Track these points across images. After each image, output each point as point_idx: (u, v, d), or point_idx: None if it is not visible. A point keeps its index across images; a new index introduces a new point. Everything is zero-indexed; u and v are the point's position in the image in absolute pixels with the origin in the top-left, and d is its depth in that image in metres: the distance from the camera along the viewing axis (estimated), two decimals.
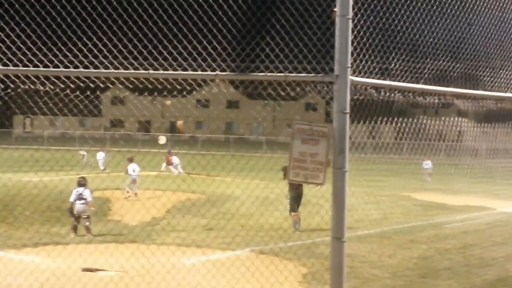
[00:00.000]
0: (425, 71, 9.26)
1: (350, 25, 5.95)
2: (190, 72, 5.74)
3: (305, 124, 5.95)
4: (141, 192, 25.52)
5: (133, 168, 26.02)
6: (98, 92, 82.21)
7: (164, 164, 39.50)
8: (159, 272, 11.80)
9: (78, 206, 16.26)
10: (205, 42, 6.19)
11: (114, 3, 6.15)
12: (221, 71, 5.81)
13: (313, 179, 5.88)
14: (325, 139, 5.92)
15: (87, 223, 16.30)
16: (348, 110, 5.92)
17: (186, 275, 11.65)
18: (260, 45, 6.95)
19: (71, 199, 16.39)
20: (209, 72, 5.70)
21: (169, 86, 7.90)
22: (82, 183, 16.62)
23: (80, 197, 16.33)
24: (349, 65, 5.95)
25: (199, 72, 5.75)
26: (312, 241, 15.91)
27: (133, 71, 5.84)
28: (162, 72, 5.73)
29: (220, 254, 14.27)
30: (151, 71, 5.62)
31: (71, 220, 16.44)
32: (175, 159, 38.69)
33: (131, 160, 26.88)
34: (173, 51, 6.24)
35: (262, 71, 6.17)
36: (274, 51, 6.79)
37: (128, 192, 25.52)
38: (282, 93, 7.88)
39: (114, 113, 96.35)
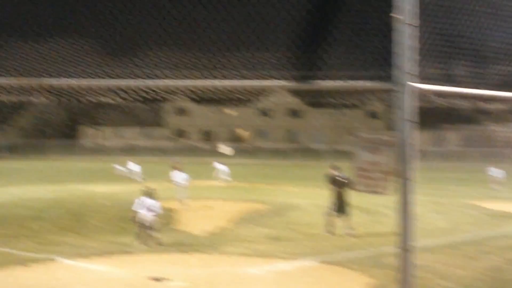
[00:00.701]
0: (491, 76, 9.00)
1: (411, 31, 5.85)
2: (255, 82, 5.75)
3: (368, 134, 5.88)
4: (204, 202, 25.68)
5: (182, 177, 25.71)
6: (162, 103, 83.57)
7: (174, 173, 39.09)
8: (224, 281, 11.84)
9: (146, 217, 16.26)
10: (269, 51, 6.17)
11: (181, 17, 6.22)
12: (283, 80, 5.79)
13: (379, 188, 5.80)
14: (390, 148, 5.82)
15: (154, 233, 16.34)
16: (411, 118, 5.80)
17: (250, 285, 11.64)
18: (321, 53, 6.90)
19: (135, 207, 16.48)
20: (272, 82, 5.69)
21: (231, 97, 7.94)
22: (149, 193, 16.68)
23: (149, 208, 16.34)
24: (411, 72, 5.84)
25: (263, 82, 5.74)
26: (377, 250, 15.66)
27: (199, 81, 5.89)
28: (227, 81, 5.75)
29: (284, 263, 14.20)
30: (217, 81, 5.65)
31: (137, 230, 16.57)
32: (221, 167, 38.08)
33: (177, 168, 26.56)
34: (237, 61, 6.25)
35: (323, 79, 6.12)
36: (335, 59, 6.73)
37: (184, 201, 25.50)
38: (344, 101, 7.81)
39: (178, 123, 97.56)
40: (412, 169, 5.72)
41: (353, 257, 14.87)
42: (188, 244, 16.57)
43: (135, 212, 16.46)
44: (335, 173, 18.92)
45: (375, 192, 5.87)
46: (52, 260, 14.53)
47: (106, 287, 11.45)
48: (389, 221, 18.64)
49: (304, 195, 23.67)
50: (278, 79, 6.05)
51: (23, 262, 14.18)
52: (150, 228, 16.32)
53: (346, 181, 18.25)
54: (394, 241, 6.11)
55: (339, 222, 18.15)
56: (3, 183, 34.96)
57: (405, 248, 5.73)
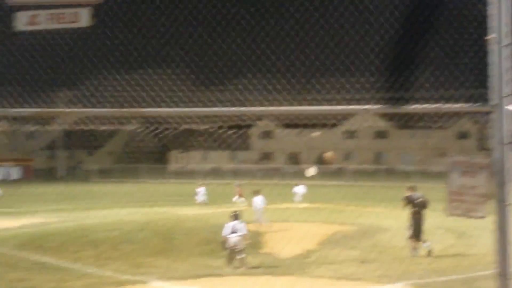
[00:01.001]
0: None
1: (506, 52, 5.71)
2: (342, 107, 5.75)
3: (462, 157, 5.75)
4: (289, 224, 25.64)
5: (260, 200, 26.16)
6: (247, 128, 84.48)
7: (236, 197, 38.11)
8: None
9: (233, 239, 16.23)
10: (356, 75, 6.18)
11: (266, 43, 6.32)
12: (372, 103, 5.77)
13: (473, 212, 5.65)
14: (484, 171, 5.67)
15: (242, 255, 16.30)
16: (507, 141, 5.65)
17: None
18: (411, 75, 6.83)
19: (224, 233, 16.43)
20: (360, 106, 5.68)
21: (316, 121, 7.96)
22: (236, 217, 16.75)
23: (234, 230, 16.37)
24: (506, 95, 5.70)
25: (352, 106, 5.74)
26: (469, 274, 15.18)
27: (284, 107, 5.95)
28: (314, 108, 5.78)
29: (374, 287, 13.98)
30: (301, 107, 5.70)
31: (226, 252, 16.69)
32: (299, 190, 38.37)
33: (257, 193, 26.98)
34: (324, 84, 6.28)
35: (412, 100, 6.05)
36: (424, 79, 6.64)
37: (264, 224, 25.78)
38: (435, 123, 7.66)
39: (263, 147, 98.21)
40: (508, 193, 5.55)
41: (445, 280, 14.47)
42: (275, 267, 16.57)
43: (225, 237, 16.41)
44: (413, 194, 18.91)
45: (470, 216, 5.72)
46: (144, 282, 14.88)
47: None
48: (479, 243, 18.10)
49: (392, 216, 23.22)
50: (367, 101, 6.03)
51: (116, 284, 14.59)
52: (239, 251, 16.28)
53: (424, 202, 18.47)
54: (486, 264, 5.93)
55: (419, 244, 17.97)
56: (96, 206, 36.14)
57: (503, 274, 5.55)
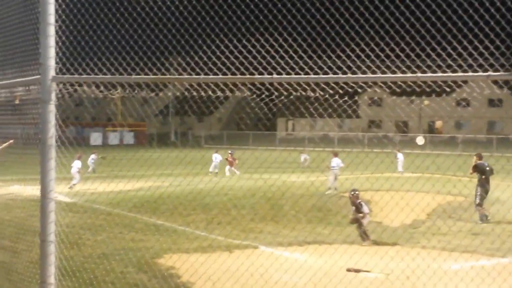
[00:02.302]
0: None
1: None
2: (460, 74, 5.54)
3: None
4: (399, 194, 25.22)
5: (337, 162, 27.60)
6: (356, 96, 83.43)
7: (227, 167, 38.71)
8: (421, 276, 11.55)
9: (360, 216, 16.15)
10: (475, 42, 5.92)
11: (378, 10, 6.18)
12: (493, 71, 5.51)
13: None
14: None
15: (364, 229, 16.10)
16: None
17: (449, 281, 11.26)
18: None
19: (366, 210, 16.34)
20: (480, 73, 5.44)
21: (427, 89, 7.73)
22: (357, 196, 16.55)
23: (359, 209, 16.23)
24: None
25: (470, 74, 5.51)
26: None
27: (400, 75, 5.80)
28: (430, 75, 5.60)
29: (486, 261, 13.58)
30: (419, 75, 5.53)
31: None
32: (401, 158, 38.56)
33: (335, 154, 28.20)
34: (441, 52, 6.08)
35: None
36: None
37: (336, 189, 26.82)
38: None
39: (371, 115, 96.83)
40: None
41: None
42: (385, 237, 16.42)
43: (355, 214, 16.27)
44: (482, 162, 19.54)
45: None
46: (254, 247, 15.16)
47: (305, 275, 11.69)
48: None
49: (508, 189, 22.31)
50: (483, 69, 5.79)
51: (227, 248, 14.97)
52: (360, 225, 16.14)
53: (492, 170, 19.54)
54: None
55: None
56: (206, 172, 37.05)
57: None
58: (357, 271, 12.82)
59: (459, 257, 13.87)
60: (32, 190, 7.47)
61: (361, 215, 16.07)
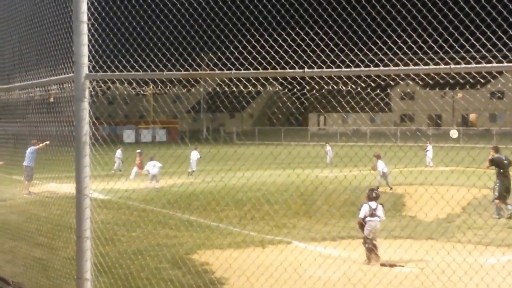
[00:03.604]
0: None
1: None
2: (495, 65, 5.45)
3: None
4: (436, 187, 24.95)
5: (382, 166, 26.84)
6: (388, 89, 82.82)
7: (134, 170, 31.79)
8: (456, 270, 11.42)
9: (371, 223, 13.58)
10: (510, 32, 5.81)
11: (409, 1, 6.11)
12: None
13: None
14: None
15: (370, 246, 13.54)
16: None
17: (485, 275, 11.10)
18: None
19: (361, 214, 13.74)
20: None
21: (461, 80, 7.63)
22: (373, 196, 13.83)
23: (372, 213, 13.66)
24: None
25: (505, 64, 5.42)
26: None
27: (433, 66, 5.73)
28: (464, 66, 5.52)
29: None
30: (453, 66, 5.46)
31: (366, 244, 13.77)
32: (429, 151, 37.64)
33: (378, 157, 27.22)
34: (475, 43, 5.98)
35: None
36: None
37: (391, 188, 26.08)
38: None
39: (404, 108, 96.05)
40: None
41: None
42: (419, 231, 16.28)
43: (361, 219, 13.78)
44: (500, 155, 19.26)
45: None
46: (287, 242, 15.16)
47: (339, 270, 11.65)
48: None
49: None
50: None
51: (260, 243, 14.99)
52: (372, 239, 13.66)
53: (510, 162, 19.05)
54: None
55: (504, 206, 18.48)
56: (238, 168, 37.12)
57: None
58: (392, 265, 12.74)
59: (495, 251, 13.68)
60: (68, 188, 7.57)
61: (375, 218, 13.72)
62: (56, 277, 8.66)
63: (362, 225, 13.65)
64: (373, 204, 13.68)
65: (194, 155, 35.56)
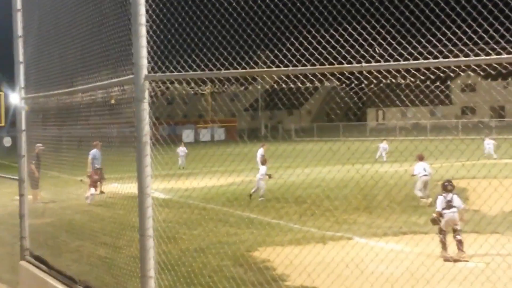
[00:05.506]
0: None
1: None
2: None
3: None
4: (500, 180, 24.32)
5: (423, 167, 22.57)
6: (448, 81, 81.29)
7: (92, 189, 20.47)
8: None
9: (448, 215, 13.54)
10: None
11: None
12: None
13: None
14: None
15: (459, 237, 13.45)
16: None
17: None
18: None
19: (438, 207, 13.71)
20: None
21: None
22: (449, 188, 13.86)
23: (449, 204, 13.60)
24: None
25: None
26: None
27: (495, 56, 5.60)
28: None
29: None
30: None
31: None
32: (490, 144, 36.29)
33: (420, 158, 23.08)
34: None
35: None
36: None
37: (422, 198, 21.77)
38: None
39: (465, 100, 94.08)
40: None
41: None
42: (483, 225, 15.91)
43: (439, 212, 13.71)
44: None
45: None
46: (348, 238, 15.08)
47: (402, 265, 11.51)
48: None
49: None
50: None
51: (321, 240, 14.96)
52: (456, 230, 13.57)
53: None
54: None
55: None
56: (297, 164, 37.10)
57: None
58: (456, 260, 12.52)
59: None
60: (130, 188, 7.72)
61: (451, 210, 13.62)
62: (120, 275, 8.83)
63: (434, 220, 13.68)
64: (448, 195, 13.67)
65: (259, 153, 35.46)
